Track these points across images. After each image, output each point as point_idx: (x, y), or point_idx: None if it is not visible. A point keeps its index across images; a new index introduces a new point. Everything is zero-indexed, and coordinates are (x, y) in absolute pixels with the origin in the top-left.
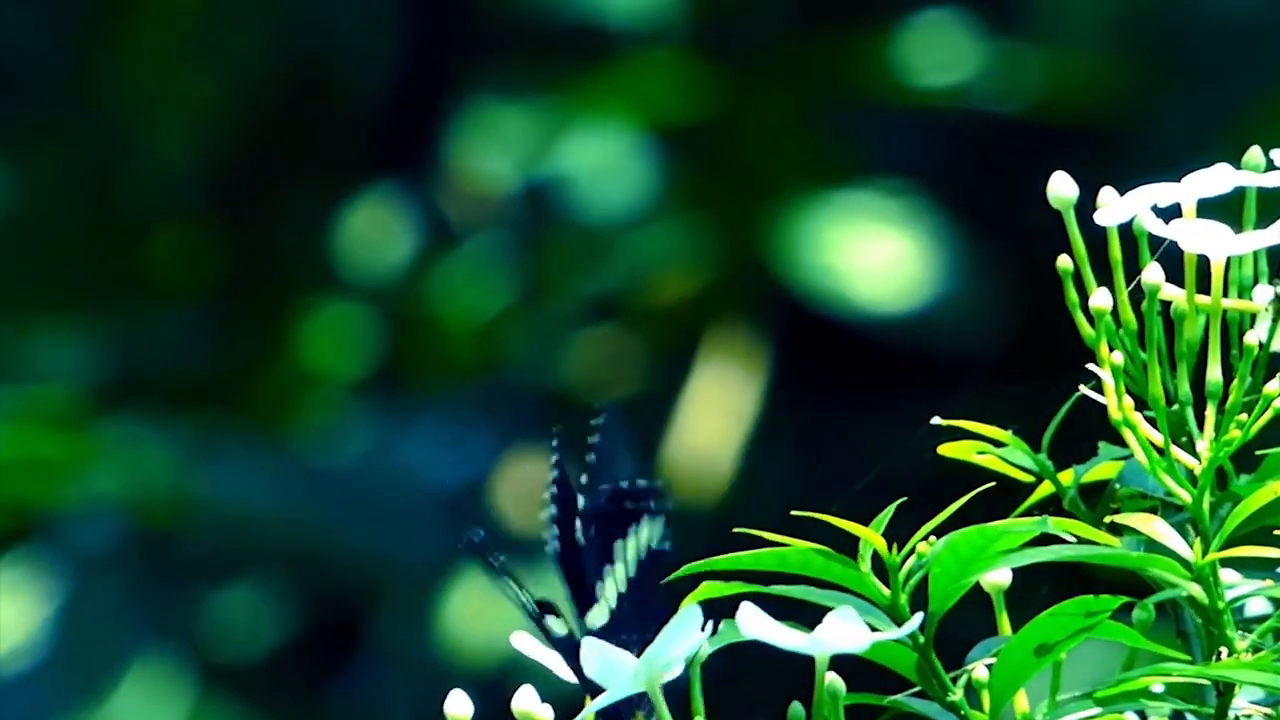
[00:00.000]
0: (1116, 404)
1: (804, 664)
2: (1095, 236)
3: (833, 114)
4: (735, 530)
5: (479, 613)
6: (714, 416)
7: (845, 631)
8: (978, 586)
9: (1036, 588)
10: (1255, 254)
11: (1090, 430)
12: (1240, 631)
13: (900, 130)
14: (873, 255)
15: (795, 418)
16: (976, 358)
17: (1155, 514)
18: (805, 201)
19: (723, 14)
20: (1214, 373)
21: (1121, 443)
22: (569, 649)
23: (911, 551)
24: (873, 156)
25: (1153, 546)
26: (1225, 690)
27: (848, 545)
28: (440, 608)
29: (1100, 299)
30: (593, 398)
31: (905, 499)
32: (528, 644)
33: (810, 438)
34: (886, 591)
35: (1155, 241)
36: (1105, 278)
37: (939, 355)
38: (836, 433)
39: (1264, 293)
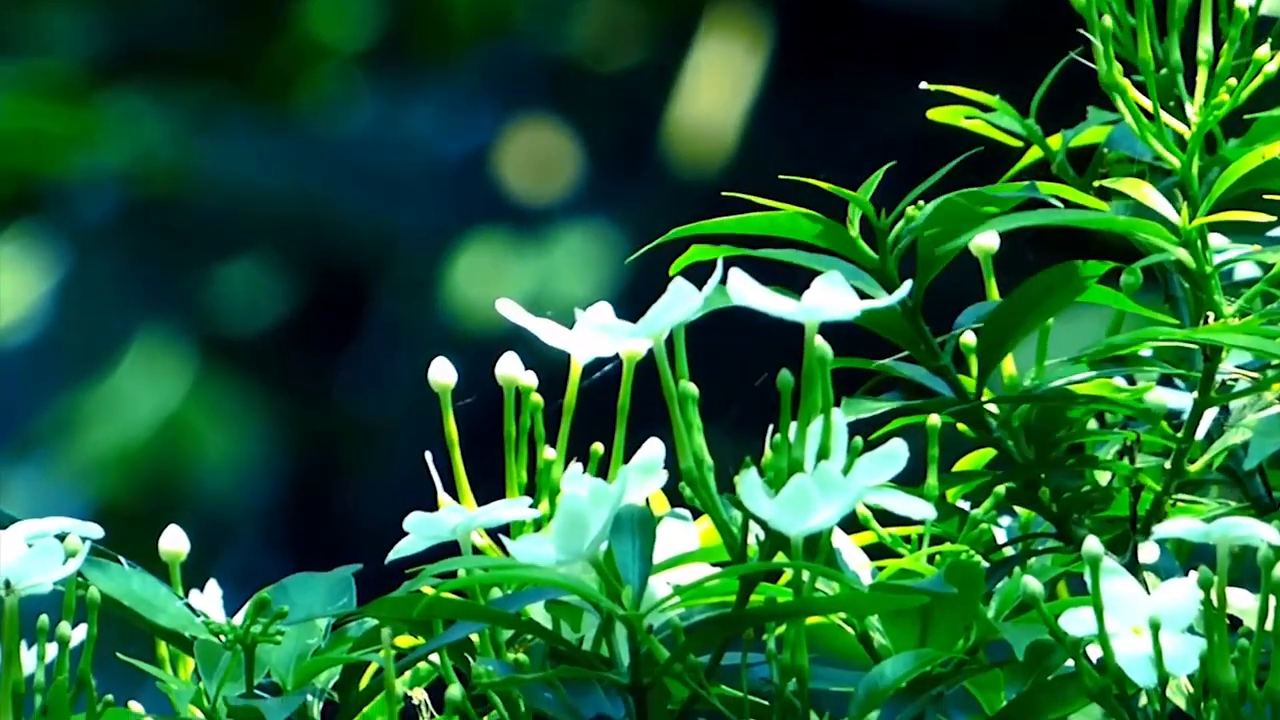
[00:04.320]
0: (1105, 69)
1: (794, 332)
2: None
3: None
4: (724, 194)
5: (483, 281)
6: (716, 86)
7: (835, 297)
8: (966, 252)
9: (1024, 253)
10: None
11: (1081, 96)
12: (1228, 296)
13: None
14: None
15: (797, 87)
16: (973, 25)
17: (1144, 179)
18: None
19: None
20: (1205, 38)
21: (1111, 108)
22: None
23: (900, 215)
24: None
25: (1140, 211)
26: (1212, 354)
27: (844, 214)
28: (445, 277)
29: None
30: (596, 66)
31: (894, 163)
32: (514, 311)
33: (812, 107)
34: (875, 255)
35: None
36: None
37: (936, 23)
38: (837, 102)
39: None
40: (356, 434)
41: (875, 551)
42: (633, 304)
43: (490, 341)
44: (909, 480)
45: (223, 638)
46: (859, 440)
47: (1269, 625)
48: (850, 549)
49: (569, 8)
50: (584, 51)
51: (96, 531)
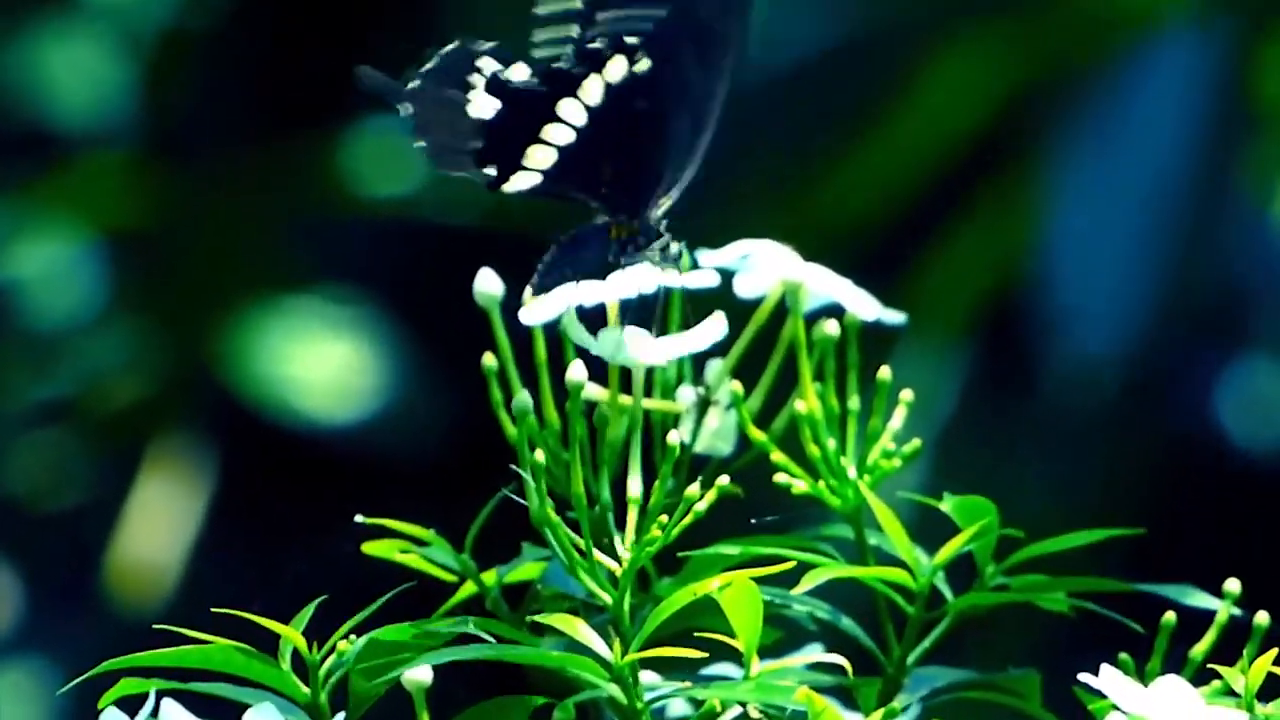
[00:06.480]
0: (537, 505)
1: None
2: (548, 336)
3: (283, 221)
4: (156, 626)
5: None
6: (157, 524)
7: None
8: (400, 685)
9: (457, 689)
10: None
11: (517, 530)
12: None
13: (350, 237)
14: (320, 363)
15: (239, 523)
16: (419, 461)
17: (577, 615)
18: (254, 308)
19: (174, 119)
20: (634, 479)
21: (546, 544)
22: None
23: (332, 649)
24: (323, 263)
25: (574, 647)
26: None
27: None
28: None
29: (522, 399)
30: (36, 505)
31: (325, 597)
32: None
33: (253, 542)
34: (307, 690)
35: None
36: (535, 377)
37: (383, 460)
38: (278, 537)
39: (687, 394)
40: None
41: None
42: None
43: None
44: None
45: None
46: None
47: None
48: None
49: (9, 445)
50: (23, 490)
51: None
